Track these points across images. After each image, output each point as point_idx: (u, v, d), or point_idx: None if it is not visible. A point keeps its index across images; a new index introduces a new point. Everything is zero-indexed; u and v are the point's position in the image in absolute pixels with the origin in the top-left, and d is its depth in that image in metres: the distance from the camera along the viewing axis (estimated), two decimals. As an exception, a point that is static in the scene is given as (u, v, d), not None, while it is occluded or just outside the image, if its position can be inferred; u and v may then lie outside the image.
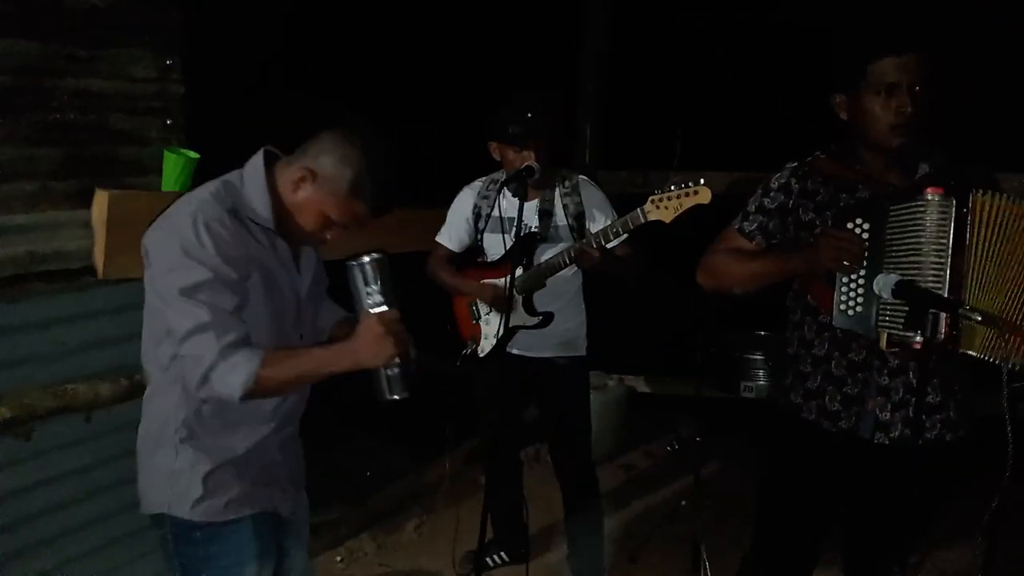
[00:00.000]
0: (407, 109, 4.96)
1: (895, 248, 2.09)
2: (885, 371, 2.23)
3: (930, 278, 2.03)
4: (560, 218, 3.10)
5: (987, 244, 2.03)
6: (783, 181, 2.35)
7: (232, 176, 1.93)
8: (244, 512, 2.00)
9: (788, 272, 2.32)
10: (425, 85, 5.29)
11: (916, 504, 2.31)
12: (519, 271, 2.99)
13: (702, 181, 2.68)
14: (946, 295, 2.01)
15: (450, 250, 3.30)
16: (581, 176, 3.19)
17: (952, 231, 2.02)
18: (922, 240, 2.04)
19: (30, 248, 2.61)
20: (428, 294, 3.29)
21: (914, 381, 2.18)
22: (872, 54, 2.15)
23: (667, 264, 3.33)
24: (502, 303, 2.92)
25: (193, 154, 2.97)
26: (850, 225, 2.15)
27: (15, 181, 2.63)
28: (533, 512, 3.43)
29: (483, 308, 3.24)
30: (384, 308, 1.86)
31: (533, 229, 3.08)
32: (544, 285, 3.06)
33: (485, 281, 3.16)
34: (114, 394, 2.82)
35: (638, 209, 2.76)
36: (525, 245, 3.04)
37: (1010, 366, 2.03)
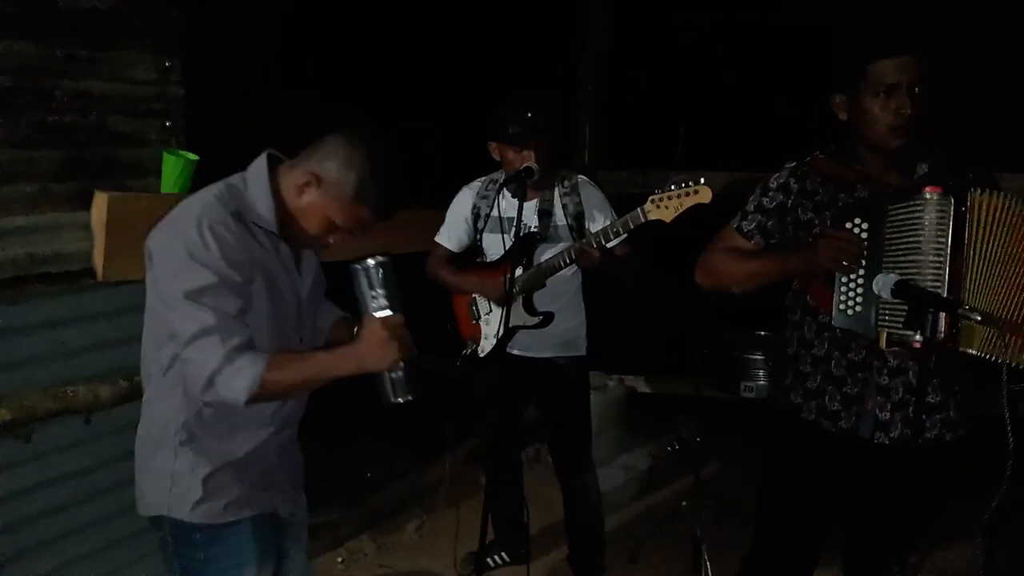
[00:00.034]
0: (406, 109, 4.95)
1: (894, 247, 2.09)
2: (885, 371, 2.23)
3: (929, 277, 2.03)
4: (560, 218, 3.10)
5: (986, 243, 2.03)
6: (782, 181, 2.35)
7: (235, 179, 1.93)
8: (244, 514, 2.00)
9: (786, 272, 2.32)
10: (424, 85, 5.29)
11: (916, 504, 2.31)
12: (519, 271, 2.99)
13: (703, 180, 2.67)
14: (945, 294, 2.01)
15: (449, 250, 3.30)
16: (580, 176, 3.19)
17: (951, 230, 2.02)
18: (921, 239, 2.04)
19: (30, 250, 2.61)
20: (428, 294, 3.29)
21: (914, 381, 2.18)
22: (872, 55, 2.15)
23: (667, 264, 3.32)
24: (505, 299, 2.92)
25: (192, 156, 2.97)
26: (849, 225, 2.15)
27: (15, 183, 2.64)
28: (533, 512, 3.43)
29: (483, 308, 3.24)
30: (388, 312, 1.86)
31: (533, 229, 3.08)
32: (544, 285, 3.06)
33: (487, 279, 3.15)
34: (114, 396, 2.82)
35: (638, 209, 2.75)
36: (525, 245, 3.03)
37: (1011, 364, 2.03)
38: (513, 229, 2.86)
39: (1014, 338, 2.02)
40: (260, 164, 1.94)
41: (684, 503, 3.79)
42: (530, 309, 3.09)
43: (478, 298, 3.24)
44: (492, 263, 3.21)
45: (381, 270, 1.87)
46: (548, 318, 3.08)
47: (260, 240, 1.89)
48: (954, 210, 2.02)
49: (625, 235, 2.87)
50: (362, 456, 4.50)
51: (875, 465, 2.29)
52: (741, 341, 4.64)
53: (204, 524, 1.96)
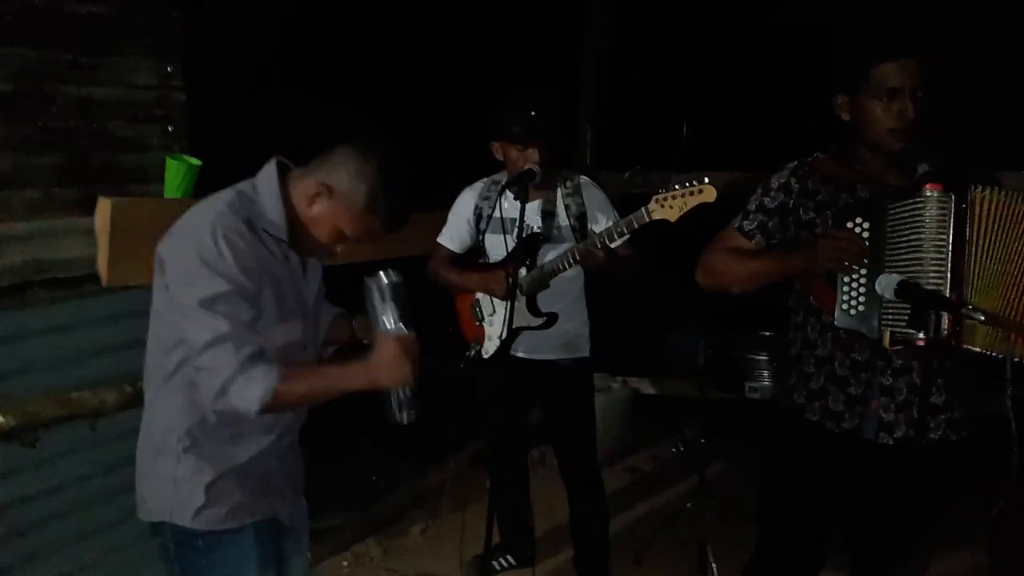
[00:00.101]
0: (407, 111, 4.96)
1: (896, 246, 2.09)
2: (888, 371, 2.22)
3: (931, 275, 2.02)
4: (562, 219, 3.10)
5: (988, 239, 2.03)
6: (783, 181, 2.35)
7: (245, 186, 1.93)
8: (245, 520, 2.00)
9: (788, 272, 2.31)
10: (425, 86, 5.30)
11: (917, 504, 2.31)
12: (523, 272, 2.99)
13: (706, 180, 2.66)
14: (948, 292, 2.01)
15: (451, 251, 3.30)
16: (583, 177, 3.19)
17: (952, 227, 2.02)
18: (922, 237, 2.04)
19: (33, 256, 2.62)
20: (430, 296, 3.29)
21: (918, 381, 2.18)
22: (875, 57, 2.15)
23: (669, 264, 3.32)
24: (510, 294, 2.92)
25: (195, 161, 2.97)
26: (850, 224, 2.15)
27: (18, 189, 2.64)
28: (538, 515, 3.43)
29: (486, 309, 3.24)
30: (402, 328, 1.88)
31: (536, 230, 3.08)
32: (548, 286, 3.06)
33: (489, 276, 3.15)
34: (119, 402, 2.82)
35: (642, 209, 2.74)
36: (529, 246, 3.03)
37: (1015, 360, 2.03)
38: (516, 230, 2.86)
39: (1017, 337, 2.02)
40: (270, 172, 1.93)
41: (689, 505, 3.79)
42: (534, 310, 3.09)
43: (481, 299, 3.24)
44: (495, 264, 3.21)
45: (394, 287, 1.88)
46: (552, 319, 3.08)
47: (270, 248, 1.90)
48: (954, 207, 2.02)
49: (628, 235, 2.87)
50: (365, 461, 4.49)
51: (878, 465, 2.28)
52: (746, 342, 4.64)
53: (206, 531, 1.95)
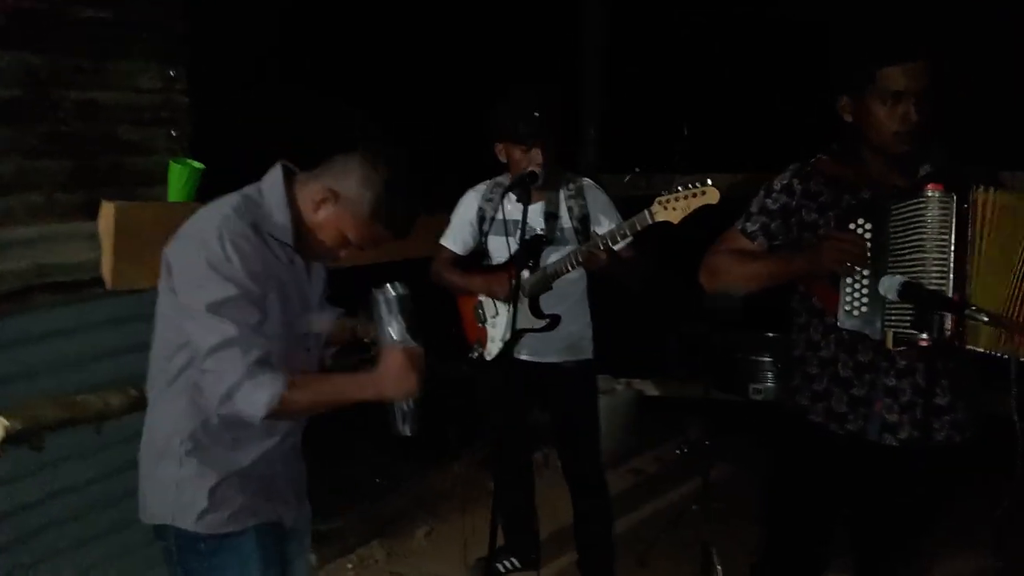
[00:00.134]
0: (407, 113, 4.96)
1: (898, 246, 2.09)
2: (892, 372, 2.22)
3: (934, 275, 2.02)
4: (565, 221, 3.10)
5: (990, 238, 2.03)
6: (786, 182, 2.35)
7: (251, 190, 1.93)
8: (248, 523, 2.00)
9: (790, 273, 2.31)
10: (425, 87, 5.30)
11: (921, 504, 2.31)
12: (526, 274, 2.99)
13: (709, 182, 2.66)
14: (951, 291, 2.01)
15: (454, 253, 3.30)
16: (585, 179, 3.19)
17: (954, 226, 2.02)
18: (924, 237, 2.04)
19: (37, 260, 2.63)
20: (432, 298, 3.29)
21: (922, 382, 2.18)
22: (880, 60, 2.14)
23: (672, 266, 3.32)
24: (512, 296, 2.92)
25: (198, 164, 2.98)
26: (852, 225, 2.15)
27: (22, 193, 2.65)
28: (543, 517, 3.42)
29: (489, 311, 3.24)
30: (408, 340, 1.89)
31: (539, 231, 3.08)
32: (551, 288, 3.06)
33: (492, 278, 3.15)
34: (124, 405, 2.82)
35: (645, 210, 2.74)
36: (532, 248, 3.03)
37: (1020, 360, 2.02)
38: (518, 232, 2.87)
39: (1021, 335, 2.02)
40: (276, 176, 1.94)
41: (693, 506, 3.78)
42: (536, 312, 3.09)
43: (484, 301, 3.24)
44: (498, 266, 3.21)
45: (401, 299, 1.90)
46: (555, 321, 3.08)
47: (275, 251, 1.91)
48: (956, 207, 2.02)
49: (631, 237, 2.87)
50: (367, 461, 4.49)
51: (882, 467, 2.28)
52: (750, 343, 4.63)
53: (208, 534, 1.95)
